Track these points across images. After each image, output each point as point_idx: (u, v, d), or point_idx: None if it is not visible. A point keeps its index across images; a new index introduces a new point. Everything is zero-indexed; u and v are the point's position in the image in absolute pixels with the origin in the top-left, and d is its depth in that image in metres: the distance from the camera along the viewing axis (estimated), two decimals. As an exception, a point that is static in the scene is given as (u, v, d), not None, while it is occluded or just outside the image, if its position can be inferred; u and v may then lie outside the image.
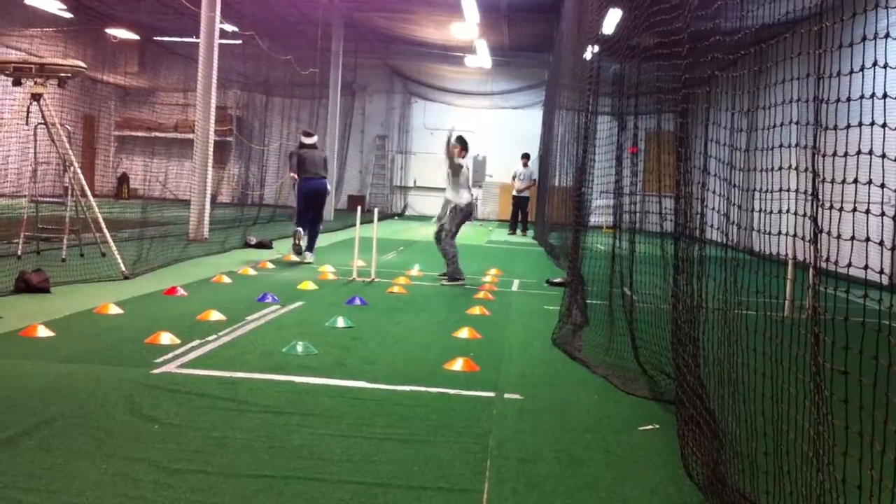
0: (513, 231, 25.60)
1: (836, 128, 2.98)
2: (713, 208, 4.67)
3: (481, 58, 30.12)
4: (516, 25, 26.18)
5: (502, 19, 25.27)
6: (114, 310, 7.89)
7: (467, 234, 24.71)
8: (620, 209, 7.91)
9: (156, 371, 5.77)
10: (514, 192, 25.87)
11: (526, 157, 26.09)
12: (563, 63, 18.40)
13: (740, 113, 4.40)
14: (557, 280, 12.08)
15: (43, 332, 6.70)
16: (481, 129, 33.67)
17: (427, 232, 24.00)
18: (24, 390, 5.10)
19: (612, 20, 14.06)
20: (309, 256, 13.62)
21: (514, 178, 25.99)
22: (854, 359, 2.84)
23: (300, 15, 25.26)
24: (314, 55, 25.78)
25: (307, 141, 13.81)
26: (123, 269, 10.26)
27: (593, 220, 10.41)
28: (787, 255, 7.24)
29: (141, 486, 3.68)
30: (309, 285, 10.44)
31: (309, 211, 13.60)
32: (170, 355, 6.24)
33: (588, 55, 10.55)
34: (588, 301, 8.75)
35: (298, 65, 24.80)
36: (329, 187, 14.36)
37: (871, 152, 2.84)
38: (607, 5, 11.43)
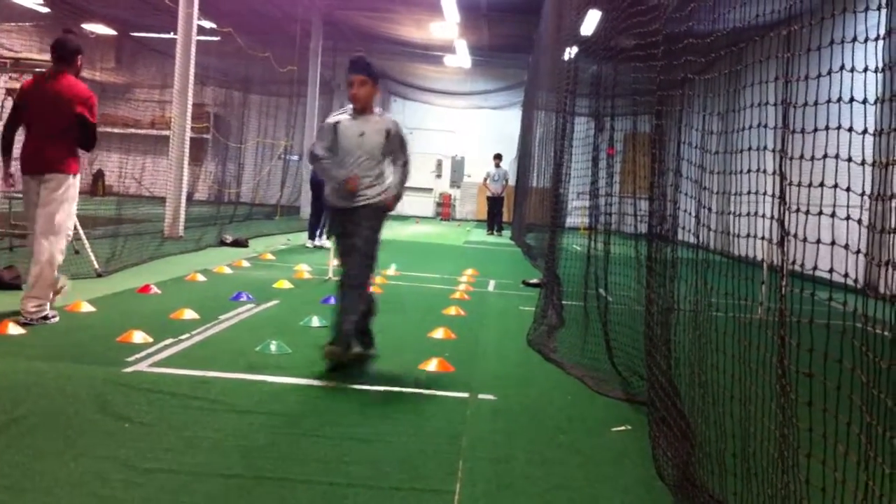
0: (490, 231, 25.68)
1: (803, 131, 3.01)
2: (686, 210, 4.70)
3: (461, 57, 30.15)
4: (496, 25, 26.21)
5: (482, 19, 25.29)
6: (86, 307, 7.83)
7: (445, 233, 24.74)
8: (597, 210, 7.93)
9: (127, 370, 5.73)
10: (489, 194, 25.97)
11: (498, 157, 26.18)
12: (542, 64, 18.45)
13: (713, 115, 4.43)
14: (533, 281, 12.11)
15: (14, 329, 6.63)
16: (460, 129, 33.72)
17: (405, 232, 24.08)
18: (-7, 388, 5.05)
19: (590, 21, 14.11)
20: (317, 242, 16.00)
21: (486, 179, 26.10)
22: (819, 361, 2.87)
23: (279, 12, 25.15)
24: (293, 53, 25.68)
25: None
26: (97, 266, 10.19)
27: (570, 221, 10.44)
28: (760, 257, 7.30)
29: (111, 485, 3.65)
30: (284, 284, 10.41)
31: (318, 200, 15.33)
32: (142, 354, 6.20)
33: (566, 56, 10.59)
34: (564, 302, 8.78)
35: (277, 62, 24.71)
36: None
37: (837, 156, 2.86)
38: (586, 6, 11.48)
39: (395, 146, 6.40)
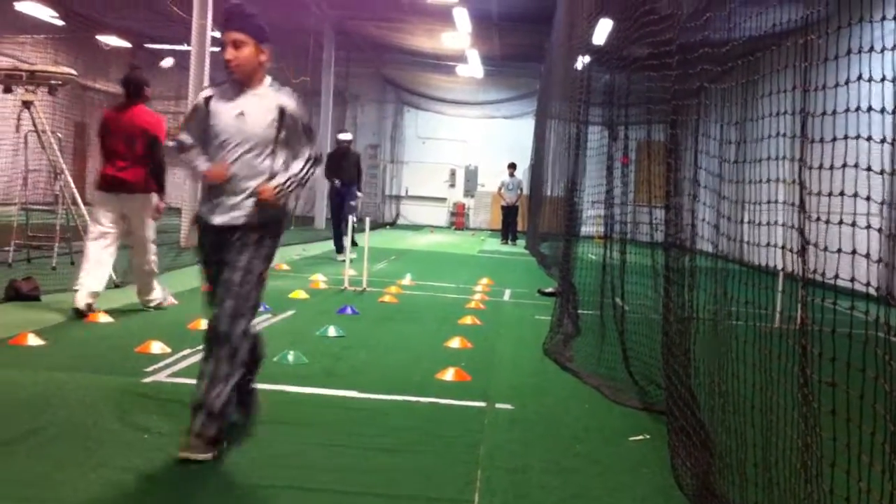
0: (504, 240, 25.69)
1: (822, 140, 3.01)
2: (703, 219, 4.69)
3: (473, 67, 30.22)
4: (508, 35, 26.26)
5: (494, 29, 25.35)
6: (104, 318, 7.87)
7: (459, 243, 24.76)
8: (611, 219, 7.93)
9: (146, 380, 5.76)
10: (503, 203, 26.01)
11: (512, 166, 26.22)
12: (555, 73, 18.47)
13: (729, 124, 4.43)
14: (549, 290, 12.10)
15: (33, 340, 6.68)
16: (473, 139, 33.76)
17: (420, 241, 24.11)
18: (13, 399, 5.09)
19: (602, 31, 14.11)
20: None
21: (500, 188, 26.14)
22: (842, 370, 2.86)
23: (292, 23, 25.26)
24: (306, 63, 25.80)
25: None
26: (115, 277, 10.23)
27: (584, 230, 10.44)
28: (777, 266, 7.28)
29: (131, 496, 3.67)
30: (300, 294, 10.43)
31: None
32: (160, 364, 6.23)
33: (579, 65, 10.60)
34: (579, 311, 8.76)
35: (290, 73, 24.81)
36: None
37: (856, 165, 2.86)
38: (598, 16, 11.49)
39: (293, 133, 4.56)
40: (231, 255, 4.40)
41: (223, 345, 4.31)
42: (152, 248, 8.48)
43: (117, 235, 8.34)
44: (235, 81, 4.55)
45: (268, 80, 4.64)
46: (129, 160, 8.12)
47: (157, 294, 8.73)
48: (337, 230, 16.14)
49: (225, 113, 4.49)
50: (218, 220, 4.47)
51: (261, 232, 4.46)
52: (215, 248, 4.49)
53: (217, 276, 4.45)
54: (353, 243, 14.87)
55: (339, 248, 16.02)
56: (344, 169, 15.75)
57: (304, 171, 4.56)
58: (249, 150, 4.46)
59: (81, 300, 7.93)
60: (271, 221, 4.53)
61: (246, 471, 4.08)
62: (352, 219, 14.06)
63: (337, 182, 15.85)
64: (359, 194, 16.30)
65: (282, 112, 4.52)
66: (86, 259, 8.22)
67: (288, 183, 4.46)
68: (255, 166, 4.47)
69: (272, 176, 4.47)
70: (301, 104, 4.64)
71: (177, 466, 4.08)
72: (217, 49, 18.11)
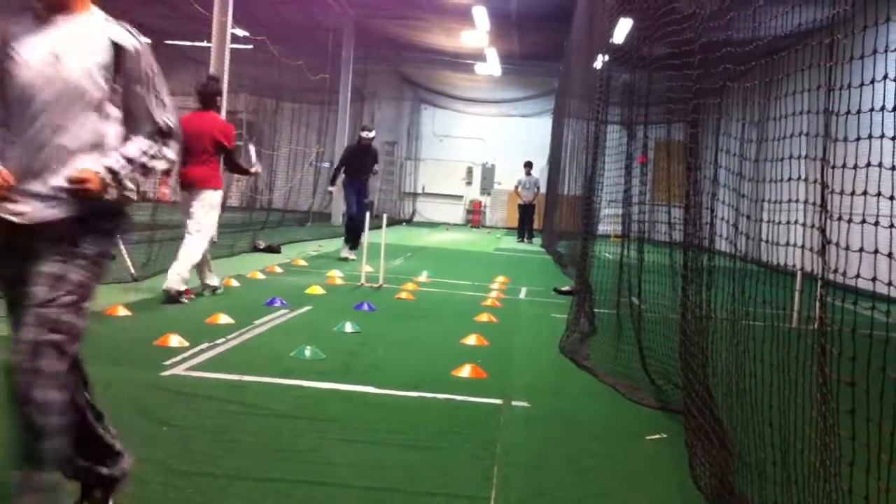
0: (521, 239, 25.67)
1: (846, 139, 3.00)
2: (723, 218, 4.68)
3: (491, 66, 30.23)
4: (526, 34, 26.24)
5: (513, 28, 25.33)
6: (123, 311, 7.93)
7: (475, 241, 24.75)
8: (629, 218, 7.92)
9: (165, 373, 5.80)
10: (520, 202, 26.00)
11: (529, 165, 26.14)
12: (573, 72, 18.43)
13: (750, 123, 4.41)
14: (565, 288, 12.08)
15: (53, 333, 6.72)
16: (490, 137, 33.76)
17: (436, 239, 24.12)
18: (34, 391, 5.12)
19: (622, 30, 14.08)
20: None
21: (517, 187, 26.12)
22: (861, 370, 2.85)
23: (311, 21, 25.34)
24: (325, 61, 25.85)
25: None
26: (133, 271, 10.31)
27: (601, 228, 10.42)
28: (795, 265, 7.25)
29: (149, 488, 3.70)
30: (317, 290, 10.47)
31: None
32: (178, 358, 6.27)
33: (598, 64, 10.58)
34: (596, 310, 8.75)
35: (309, 70, 24.90)
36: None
37: (880, 164, 2.85)
38: (618, 15, 11.46)
39: (136, 86, 3.13)
40: (40, 265, 2.95)
41: (29, 401, 2.83)
42: (207, 237, 9.44)
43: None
44: (46, 8, 3.06)
45: (95, 9, 3.15)
46: (200, 161, 9.22)
47: (215, 280, 9.84)
48: (351, 225, 15.31)
49: (28, 55, 2.99)
50: (18, 214, 2.96)
51: (83, 231, 3.01)
52: (12, 256, 3.02)
53: (17, 297, 3.03)
54: (354, 245, 14.97)
55: (353, 245, 15.24)
56: (366, 166, 15.36)
57: (150, 151, 3.14)
58: (65, 111, 2.99)
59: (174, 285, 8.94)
60: (100, 215, 3.06)
61: (265, 465, 4.11)
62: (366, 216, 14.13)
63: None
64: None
65: (119, 51, 3.06)
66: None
67: (121, 166, 3.03)
68: (68, 130, 2.99)
69: (97, 144, 3.04)
70: (149, 49, 3.18)
71: (195, 459, 4.11)
72: (237, 46, 17.90)
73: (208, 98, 9.54)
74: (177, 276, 8.95)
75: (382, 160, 33.62)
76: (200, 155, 9.22)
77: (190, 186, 9.23)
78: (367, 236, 13.09)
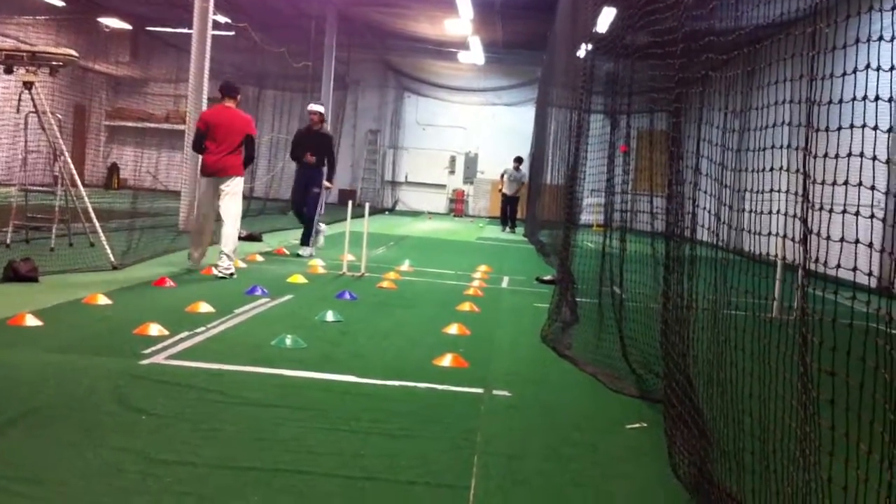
0: (504, 228, 25.70)
1: (827, 129, 2.99)
2: (704, 208, 4.68)
3: (475, 54, 30.14)
4: (510, 22, 26.17)
5: (496, 16, 25.26)
6: (102, 300, 7.86)
7: (458, 230, 24.73)
8: (611, 207, 7.92)
9: (144, 362, 5.76)
10: (502, 190, 26.03)
11: (518, 160, 26.00)
12: (557, 61, 18.42)
13: (732, 113, 4.41)
14: (547, 277, 12.09)
15: (31, 321, 6.67)
16: (473, 126, 33.71)
17: (418, 227, 24.08)
18: (10, 379, 5.08)
19: (606, 18, 14.07)
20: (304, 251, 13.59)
21: (503, 174, 26.11)
22: (841, 360, 2.86)
23: (294, 8, 25.20)
24: (307, 48, 25.72)
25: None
26: (112, 259, 10.22)
27: (584, 218, 10.42)
28: (776, 255, 7.27)
29: (127, 477, 3.67)
30: (298, 279, 10.42)
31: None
32: (158, 346, 6.22)
33: (581, 53, 10.56)
34: (578, 299, 8.76)
35: (291, 58, 24.75)
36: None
37: (861, 154, 2.85)
38: (602, 4, 11.46)
39: None
40: None
41: None
42: (238, 221, 10.58)
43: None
44: None
45: None
46: (227, 150, 10.29)
47: (232, 268, 10.35)
48: (299, 218, 14.03)
49: None
50: None
51: None
52: None
53: None
54: (305, 241, 13.55)
55: (303, 241, 13.75)
56: (308, 148, 13.60)
57: None
58: None
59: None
60: None
61: (246, 454, 4.08)
62: (319, 211, 13.46)
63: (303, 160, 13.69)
64: (326, 184, 13.74)
65: None
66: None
67: None
68: None
69: None
70: None
71: (175, 448, 4.08)
72: (218, 33, 17.81)
73: (232, 93, 10.71)
74: (227, 262, 10.12)
75: (365, 149, 33.80)
76: (231, 145, 10.29)
77: (218, 173, 10.24)
78: (348, 224, 12.74)
